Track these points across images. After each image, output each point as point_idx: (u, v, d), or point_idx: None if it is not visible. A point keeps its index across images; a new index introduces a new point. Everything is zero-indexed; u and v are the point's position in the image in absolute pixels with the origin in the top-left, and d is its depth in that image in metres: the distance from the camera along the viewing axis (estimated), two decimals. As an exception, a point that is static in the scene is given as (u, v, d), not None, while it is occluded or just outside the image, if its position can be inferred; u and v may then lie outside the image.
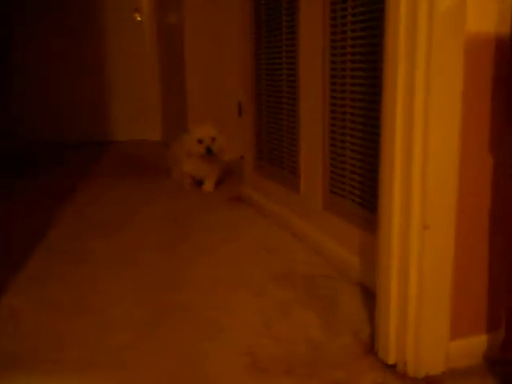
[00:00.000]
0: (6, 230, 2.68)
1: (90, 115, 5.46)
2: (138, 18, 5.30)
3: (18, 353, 1.51)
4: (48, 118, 5.31)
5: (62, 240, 2.48)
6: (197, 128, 3.31)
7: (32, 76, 5.27)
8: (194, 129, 3.34)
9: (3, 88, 4.88)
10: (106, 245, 2.38)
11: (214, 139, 3.24)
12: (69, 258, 2.25)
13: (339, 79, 2.01)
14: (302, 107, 2.32)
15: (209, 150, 3.21)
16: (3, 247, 2.41)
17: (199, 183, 3.43)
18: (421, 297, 1.33)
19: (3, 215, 2.93)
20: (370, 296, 1.81)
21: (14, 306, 1.80)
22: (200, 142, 3.23)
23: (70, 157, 4.84)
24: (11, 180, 3.79)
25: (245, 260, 2.20)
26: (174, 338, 1.58)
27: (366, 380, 1.36)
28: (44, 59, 5.28)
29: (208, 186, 3.38)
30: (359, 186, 1.93)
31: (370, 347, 1.50)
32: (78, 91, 5.40)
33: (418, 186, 1.29)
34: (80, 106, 5.42)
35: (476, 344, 1.42)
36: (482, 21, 1.25)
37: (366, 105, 1.85)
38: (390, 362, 1.40)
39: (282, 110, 2.53)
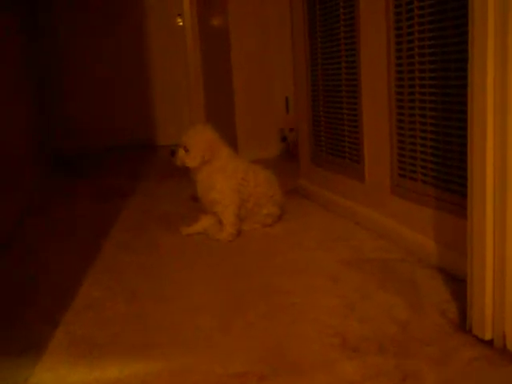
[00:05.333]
0: (76, 226, 2.76)
1: (134, 120, 5.53)
2: (181, 23, 5.34)
3: (103, 339, 1.51)
4: (95, 126, 5.41)
5: (128, 233, 2.53)
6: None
7: (79, 86, 5.38)
8: None
9: (54, 100, 5.00)
10: (172, 238, 2.40)
11: (186, 150, 2.37)
12: (137, 249, 2.28)
13: (406, 52, 1.97)
14: (364, 91, 2.28)
15: (172, 152, 2.40)
16: (76, 242, 2.46)
17: None
18: (519, 268, 1.28)
19: (69, 216, 2.98)
20: (448, 277, 1.77)
21: (92, 295, 1.81)
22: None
23: (119, 160, 4.92)
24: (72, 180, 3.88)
25: (313, 248, 2.18)
26: (257, 321, 1.57)
27: (462, 356, 1.32)
28: (89, 68, 5.38)
29: (218, 230, 2.40)
30: (432, 165, 1.89)
31: (461, 325, 1.46)
32: (123, 97, 5.49)
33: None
34: (124, 112, 5.50)
35: None
36: None
37: (437, 74, 1.81)
38: (487, 337, 1.35)
39: (342, 97, 2.50)
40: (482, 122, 1.29)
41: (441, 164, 1.84)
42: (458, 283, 1.70)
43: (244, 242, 2.34)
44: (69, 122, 5.29)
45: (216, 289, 1.84)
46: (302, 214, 2.69)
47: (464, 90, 1.42)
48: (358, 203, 2.44)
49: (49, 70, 4.97)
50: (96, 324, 1.61)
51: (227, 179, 2.35)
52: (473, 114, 1.32)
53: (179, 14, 5.34)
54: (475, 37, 1.28)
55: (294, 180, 3.16)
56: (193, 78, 5.40)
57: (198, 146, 2.34)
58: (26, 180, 3.25)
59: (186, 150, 2.36)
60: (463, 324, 1.45)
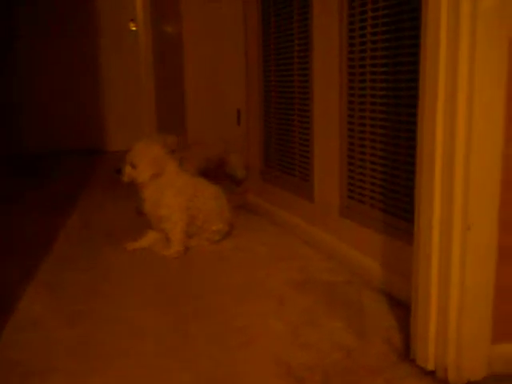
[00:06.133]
0: (17, 237, 2.64)
1: (84, 124, 5.40)
2: (133, 28, 5.26)
3: (40, 365, 1.44)
4: (44, 128, 5.26)
5: (72, 247, 2.44)
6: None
7: (28, 87, 5.22)
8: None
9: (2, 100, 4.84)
10: (117, 253, 2.34)
11: (133, 166, 2.31)
12: (81, 265, 2.20)
13: (358, 76, 1.99)
14: (315, 109, 2.29)
15: (118, 171, 2.33)
16: (17, 254, 2.36)
17: None
18: (462, 302, 1.30)
19: (11, 226, 2.86)
20: (393, 301, 1.79)
21: (32, 314, 1.74)
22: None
23: (66, 165, 4.78)
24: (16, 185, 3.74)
25: (261, 268, 2.16)
26: (202, 346, 1.53)
27: (405, 387, 1.33)
28: (40, 69, 5.23)
29: (164, 246, 2.36)
30: (380, 190, 1.91)
31: (405, 353, 1.47)
32: (73, 100, 5.35)
33: (460, 189, 1.26)
34: (74, 115, 5.37)
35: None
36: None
37: (388, 101, 1.83)
38: (429, 368, 1.37)
39: (294, 114, 2.51)
40: (430, 153, 1.30)
41: (389, 189, 1.86)
42: (402, 308, 1.71)
43: (191, 259, 2.30)
44: (17, 126, 5.12)
45: (162, 310, 1.79)
46: (250, 230, 2.67)
47: (414, 118, 1.43)
48: (307, 222, 2.44)
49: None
50: (33, 347, 1.54)
51: (176, 195, 2.31)
52: (422, 143, 1.33)
53: (132, 19, 5.25)
54: (427, 64, 1.30)
55: (240, 195, 3.14)
56: (145, 84, 5.32)
57: (146, 160, 2.29)
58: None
59: (133, 166, 2.30)
60: (407, 352, 1.46)
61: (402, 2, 1.72)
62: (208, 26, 4.19)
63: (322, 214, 2.31)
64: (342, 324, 1.65)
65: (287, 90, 2.56)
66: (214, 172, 3.54)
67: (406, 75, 1.72)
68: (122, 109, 5.43)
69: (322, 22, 2.19)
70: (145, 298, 1.90)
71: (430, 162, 1.30)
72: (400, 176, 1.79)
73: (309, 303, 1.81)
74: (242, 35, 4.16)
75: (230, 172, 3.32)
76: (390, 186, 1.85)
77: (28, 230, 2.76)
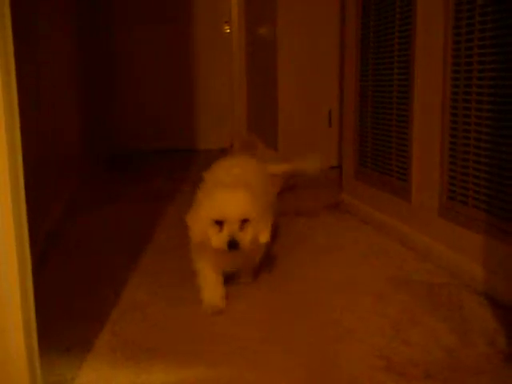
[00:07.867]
0: (118, 230, 2.77)
1: (177, 124, 5.59)
2: (228, 30, 5.39)
3: (147, 343, 1.52)
4: (138, 128, 5.49)
5: (169, 238, 2.54)
6: (215, 197, 1.73)
7: (125, 89, 5.47)
8: (210, 198, 1.75)
9: (103, 101, 5.10)
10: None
11: (244, 222, 1.70)
12: (181, 255, 2.28)
13: (463, 74, 1.94)
14: (415, 106, 2.25)
15: (232, 245, 1.67)
16: (118, 246, 2.48)
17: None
18: None
19: (114, 217, 3.02)
20: (496, 305, 1.73)
21: (137, 298, 1.83)
22: (219, 225, 1.70)
23: (161, 163, 4.97)
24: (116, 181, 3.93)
25: (356, 265, 2.16)
26: (302, 337, 1.56)
27: (513, 389, 1.29)
28: (137, 71, 5.47)
29: (245, 277, 1.99)
30: (485, 190, 1.85)
31: (510, 356, 1.42)
32: (167, 101, 5.55)
33: None
34: (169, 116, 5.56)
35: None
36: None
37: (496, 91, 1.77)
38: (539, 372, 1.32)
39: (392, 114, 2.48)
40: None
41: (495, 189, 1.80)
42: (506, 311, 1.67)
43: (286, 255, 2.32)
44: (114, 125, 5.37)
45: (260, 302, 1.84)
46: (344, 229, 2.67)
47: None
48: (403, 222, 2.41)
49: (98, 74, 5.06)
50: (141, 327, 1.62)
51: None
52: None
53: (226, 22, 5.38)
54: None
55: (337, 194, 3.14)
56: (237, 85, 5.43)
57: (261, 208, 1.78)
58: (72, 179, 3.30)
59: (244, 223, 1.70)
60: (513, 355, 1.42)
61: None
62: (302, 26, 4.23)
63: (419, 214, 2.27)
64: (443, 324, 1.62)
65: (386, 89, 2.54)
66: None
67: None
68: (215, 108, 5.57)
69: (425, 20, 2.17)
70: (241, 290, 1.94)
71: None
72: (508, 175, 1.73)
73: (408, 302, 1.79)
74: (337, 35, 4.18)
75: None
76: (497, 186, 1.79)
77: (131, 221, 2.90)
